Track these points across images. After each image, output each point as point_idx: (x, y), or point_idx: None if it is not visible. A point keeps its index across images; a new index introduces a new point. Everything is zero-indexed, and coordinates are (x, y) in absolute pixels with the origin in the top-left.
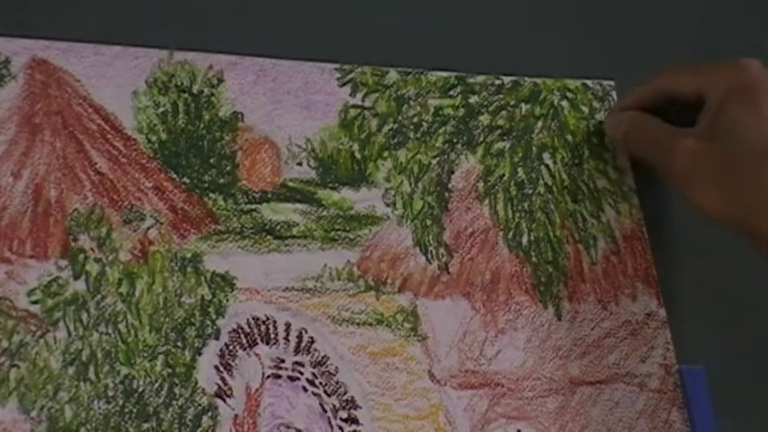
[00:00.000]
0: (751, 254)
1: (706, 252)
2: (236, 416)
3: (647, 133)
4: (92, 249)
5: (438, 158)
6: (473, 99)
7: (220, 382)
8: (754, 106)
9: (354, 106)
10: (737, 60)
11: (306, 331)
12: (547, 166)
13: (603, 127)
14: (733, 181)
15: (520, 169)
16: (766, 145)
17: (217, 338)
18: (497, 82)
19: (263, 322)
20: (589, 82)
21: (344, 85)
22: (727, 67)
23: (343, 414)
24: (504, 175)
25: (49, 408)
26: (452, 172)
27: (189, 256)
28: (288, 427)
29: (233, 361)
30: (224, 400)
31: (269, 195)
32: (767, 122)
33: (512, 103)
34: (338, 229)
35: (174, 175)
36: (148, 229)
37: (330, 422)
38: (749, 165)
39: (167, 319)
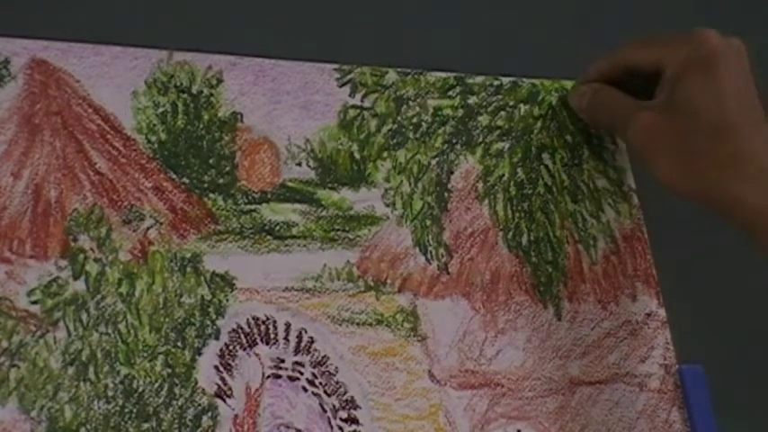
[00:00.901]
0: (751, 254)
1: (706, 252)
2: (236, 416)
3: (608, 104)
4: (91, 249)
5: (437, 159)
6: (472, 100)
7: (220, 382)
8: (710, 78)
9: (354, 107)
10: (695, 31)
11: (306, 331)
12: (546, 166)
13: (568, 99)
14: (688, 153)
15: (519, 169)
16: (721, 117)
17: (217, 338)
18: (496, 83)
19: (263, 322)
20: None
21: (344, 85)
22: (685, 38)
23: (343, 414)
24: (503, 175)
25: (49, 408)
26: (452, 172)
27: (189, 256)
28: (288, 427)
29: (233, 361)
30: (224, 400)
31: (268, 196)
32: (723, 95)
33: (510, 103)
34: (338, 230)
35: (174, 176)
36: (148, 229)
37: (330, 422)
38: (704, 137)
39: (167, 320)
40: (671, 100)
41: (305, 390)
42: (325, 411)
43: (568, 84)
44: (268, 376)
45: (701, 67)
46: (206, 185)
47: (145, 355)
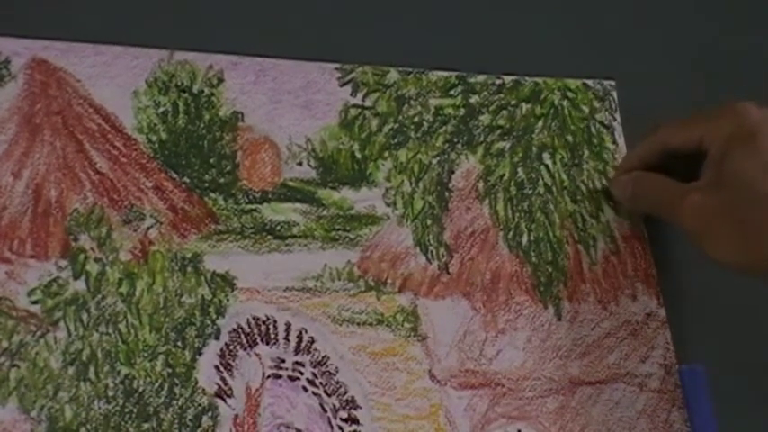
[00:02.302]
0: None
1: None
2: (237, 416)
3: (654, 192)
4: (92, 249)
5: (438, 158)
6: (474, 99)
7: (220, 382)
8: (756, 152)
9: (355, 106)
10: (734, 106)
11: (306, 331)
12: (547, 166)
13: (610, 189)
14: (745, 230)
15: (520, 169)
16: None
17: (217, 338)
18: (498, 81)
19: (264, 322)
20: (590, 82)
21: (345, 84)
22: (726, 114)
23: (344, 414)
24: (504, 175)
25: (49, 408)
26: (453, 172)
27: (189, 255)
28: (288, 427)
29: (233, 361)
30: (224, 400)
31: (269, 195)
32: None
33: (512, 102)
34: (338, 229)
35: (175, 175)
36: (148, 228)
37: (330, 422)
38: (758, 212)
39: (167, 319)
40: (719, 178)
41: (305, 390)
42: (325, 411)
43: (571, 82)
44: (268, 376)
45: (744, 141)
46: (207, 185)
47: (145, 354)
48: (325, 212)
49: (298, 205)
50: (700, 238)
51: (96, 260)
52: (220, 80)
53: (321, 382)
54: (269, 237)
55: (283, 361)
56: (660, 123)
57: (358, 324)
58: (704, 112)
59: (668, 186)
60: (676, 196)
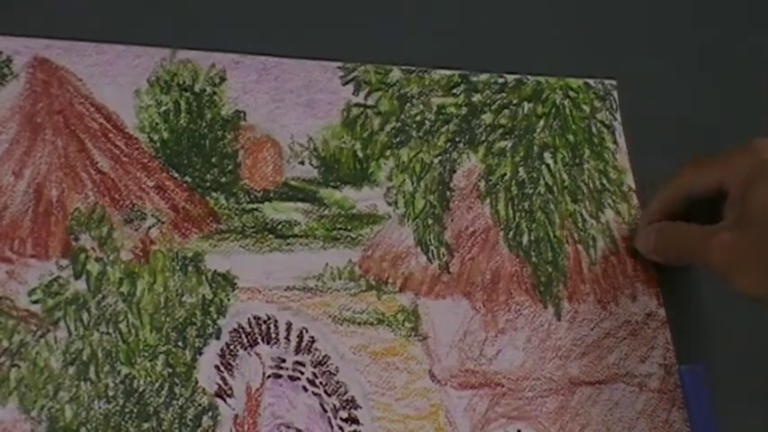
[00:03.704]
0: None
1: None
2: (237, 416)
3: (677, 238)
4: (93, 249)
5: (440, 157)
6: (476, 97)
7: (221, 382)
8: None
9: (357, 105)
10: (750, 143)
11: (307, 331)
12: (548, 165)
13: (634, 243)
14: None
15: (521, 169)
16: None
17: (218, 338)
18: (500, 80)
19: (264, 322)
20: (591, 81)
21: (347, 83)
22: (743, 152)
23: (344, 414)
24: (505, 174)
25: (50, 408)
26: (454, 171)
27: (190, 255)
28: (288, 427)
29: (234, 361)
30: (224, 400)
31: (271, 194)
32: None
33: (514, 101)
34: (340, 229)
35: (176, 174)
36: (150, 228)
37: (330, 422)
38: None
39: (168, 319)
40: (743, 215)
41: (305, 389)
42: (325, 411)
43: (572, 81)
44: (269, 376)
45: (765, 176)
46: (208, 184)
47: (145, 354)
48: (326, 212)
49: (299, 204)
50: (729, 276)
51: (97, 260)
52: (222, 79)
53: (321, 382)
54: (270, 236)
55: (284, 361)
56: (679, 169)
57: (359, 324)
58: (719, 154)
59: (692, 231)
60: (702, 239)
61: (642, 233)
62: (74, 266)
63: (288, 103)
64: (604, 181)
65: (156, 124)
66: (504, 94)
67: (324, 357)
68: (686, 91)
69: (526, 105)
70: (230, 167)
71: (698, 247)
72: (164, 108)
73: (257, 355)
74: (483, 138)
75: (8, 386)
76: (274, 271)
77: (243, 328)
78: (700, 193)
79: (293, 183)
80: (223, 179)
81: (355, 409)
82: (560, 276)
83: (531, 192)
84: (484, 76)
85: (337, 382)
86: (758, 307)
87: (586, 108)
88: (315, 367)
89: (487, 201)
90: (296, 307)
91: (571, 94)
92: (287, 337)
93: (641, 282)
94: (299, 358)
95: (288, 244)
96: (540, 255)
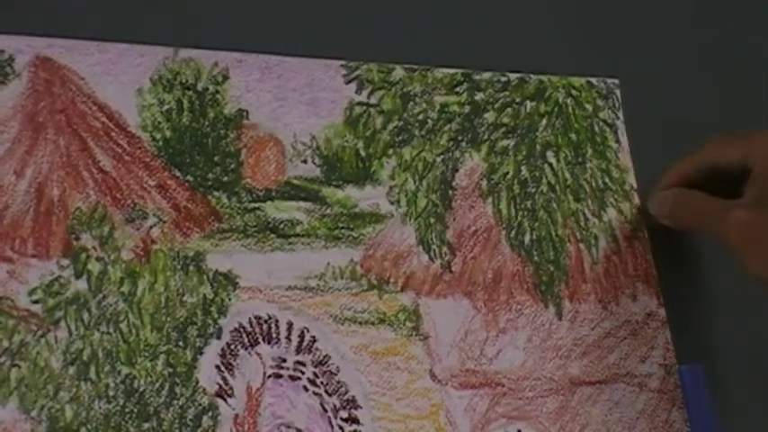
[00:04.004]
0: None
1: (706, 252)
2: (237, 415)
3: (695, 207)
4: (94, 248)
5: (443, 156)
6: (479, 96)
7: (221, 382)
8: None
9: (360, 103)
10: None
11: (308, 330)
12: (550, 164)
13: (648, 207)
14: None
15: (523, 167)
16: None
17: (218, 338)
18: (503, 79)
19: (265, 321)
20: (593, 80)
21: (350, 82)
22: None
23: (344, 414)
24: (507, 173)
25: (50, 408)
26: (456, 170)
27: (191, 254)
28: (288, 427)
29: (234, 360)
30: (225, 400)
31: (273, 193)
32: None
33: (517, 100)
34: (342, 228)
35: (178, 173)
36: (151, 227)
37: (331, 422)
38: None
39: (169, 319)
40: (764, 194)
41: (306, 389)
42: (325, 411)
43: (575, 80)
44: (269, 376)
45: None
46: (210, 183)
47: (146, 354)
48: (328, 211)
49: (301, 203)
50: (743, 255)
51: (98, 259)
52: (225, 77)
53: (322, 382)
54: (272, 235)
55: (284, 360)
56: (706, 140)
57: (360, 323)
58: (749, 131)
59: (710, 203)
60: (720, 212)
61: (658, 196)
62: (75, 266)
63: (291, 102)
64: (607, 180)
65: (159, 123)
66: (506, 93)
67: (324, 357)
68: (688, 90)
69: (529, 104)
70: (232, 166)
71: (714, 220)
72: (166, 107)
73: (258, 354)
74: (485, 136)
75: (8, 386)
76: (276, 270)
77: (244, 327)
78: (723, 165)
79: (295, 182)
80: (225, 178)
81: (356, 408)
82: (562, 276)
83: (533, 191)
84: (486, 75)
85: (338, 382)
86: (758, 307)
87: (589, 107)
88: (315, 367)
89: (490, 200)
90: (297, 306)
91: (574, 92)
92: (288, 337)
93: (642, 281)
94: (299, 358)
95: (289, 243)
96: (541, 254)
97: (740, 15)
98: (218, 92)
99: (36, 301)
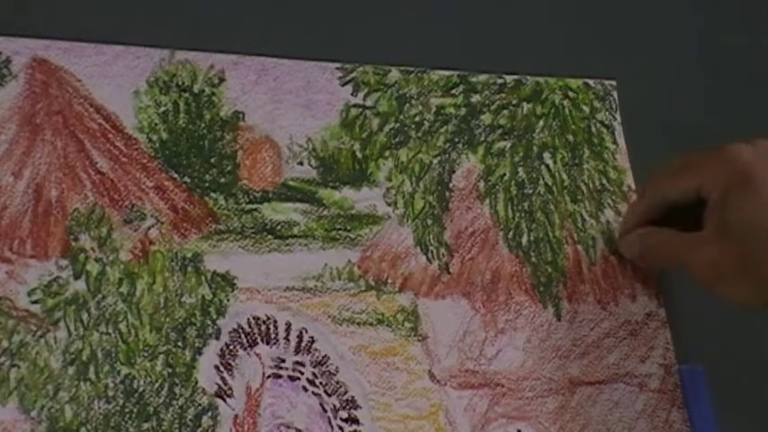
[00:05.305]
0: None
1: None
2: (236, 416)
3: (662, 248)
4: (92, 249)
5: (439, 158)
6: (475, 98)
7: (220, 382)
8: (752, 192)
9: (356, 105)
10: (724, 149)
11: (306, 331)
12: (547, 165)
13: (619, 250)
14: (758, 273)
15: (520, 169)
16: None
17: (217, 338)
18: (500, 81)
19: (264, 322)
20: (590, 81)
21: (346, 84)
22: (717, 159)
23: (344, 414)
24: (504, 174)
25: (50, 408)
26: (453, 171)
27: (189, 255)
28: (288, 427)
29: (233, 361)
30: (224, 400)
31: (270, 195)
32: None
33: (513, 102)
34: (339, 229)
35: (175, 175)
36: (149, 228)
37: (330, 422)
38: (765, 253)
39: (168, 319)
40: (723, 226)
41: (305, 389)
42: (325, 411)
43: (572, 82)
44: (268, 376)
45: (741, 185)
46: (207, 185)
47: (145, 354)
48: (325, 212)
49: (298, 205)
50: (715, 289)
51: (97, 260)
52: (221, 80)
53: (321, 382)
54: (269, 236)
55: (283, 361)
56: (653, 173)
57: (358, 324)
58: (695, 157)
59: (675, 240)
60: (686, 250)
61: (626, 239)
62: (73, 267)
63: (287, 104)
64: (604, 181)
65: (156, 125)
66: (503, 95)
67: (323, 357)
68: (686, 91)
69: (525, 106)
70: (229, 168)
71: (682, 259)
72: (163, 109)
73: (257, 355)
74: (482, 138)
75: (8, 386)
76: (273, 271)
77: (242, 328)
78: (677, 200)
79: (292, 183)
80: (222, 180)
81: (355, 409)
82: (560, 276)
83: (530, 192)
84: (483, 77)
85: (337, 383)
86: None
87: (586, 108)
88: (314, 367)
89: (487, 201)
90: (295, 307)
91: (571, 94)
92: (286, 338)
93: (641, 282)
94: (298, 358)
95: (287, 244)
96: (539, 255)
97: (738, 16)
98: (214, 94)
99: (35, 302)
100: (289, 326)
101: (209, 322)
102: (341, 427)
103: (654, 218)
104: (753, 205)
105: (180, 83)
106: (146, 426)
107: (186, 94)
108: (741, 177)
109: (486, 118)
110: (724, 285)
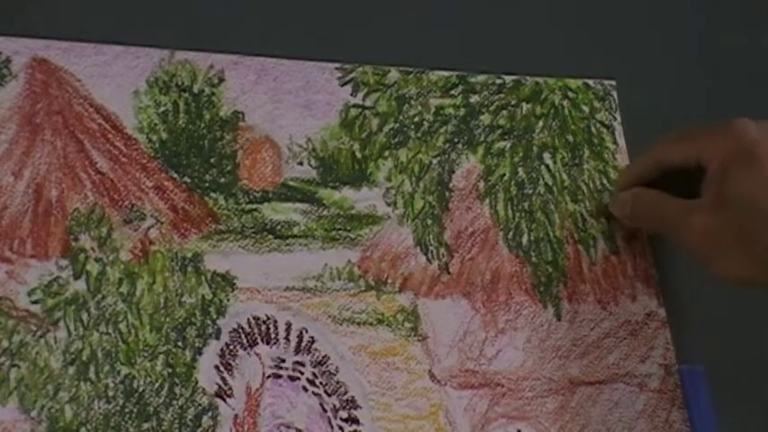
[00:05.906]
0: None
1: None
2: (237, 416)
3: (654, 210)
4: (92, 249)
5: (439, 158)
6: (474, 98)
7: (221, 382)
8: (756, 169)
9: (355, 106)
10: (732, 123)
11: (306, 331)
12: (547, 166)
13: (609, 207)
14: (752, 247)
15: (520, 169)
16: None
17: (217, 338)
18: (499, 81)
19: (264, 322)
20: (590, 81)
21: (345, 84)
22: (724, 131)
23: (344, 414)
24: (504, 174)
25: (50, 408)
26: (453, 171)
27: (189, 255)
28: (288, 427)
29: (233, 361)
30: (224, 400)
31: (270, 195)
32: None
33: (513, 102)
34: (339, 229)
35: (175, 175)
36: (149, 228)
37: (330, 422)
38: (762, 228)
39: (168, 319)
40: (721, 197)
41: (305, 389)
42: (325, 411)
43: (571, 82)
44: (268, 376)
45: (744, 159)
46: (207, 185)
47: (145, 354)
48: (325, 212)
49: (298, 205)
50: (705, 258)
51: (97, 260)
52: (221, 80)
53: (321, 382)
54: (269, 236)
55: (283, 361)
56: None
57: (358, 324)
58: (701, 127)
59: (670, 204)
60: (679, 216)
61: (619, 197)
62: (73, 266)
63: (286, 104)
64: (604, 181)
65: (155, 125)
66: (502, 95)
67: (323, 357)
68: (686, 91)
69: (525, 106)
70: (229, 168)
71: (675, 224)
72: (162, 109)
73: (257, 355)
74: (482, 138)
75: (8, 386)
76: (273, 271)
77: (242, 328)
78: (677, 164)
79: (292, 183)
80: (222, 180)
81: (355, 409)
82: (560, 276)
83: (530, 192)
84: (482, 77)
85: (337, 383)
86: (758, 307)
87: (586, 108)
88: (315, 367)
89: (487, 201)
90: (295, 307)
91: (570, 94)
92: (286, 338)
93: (641, 282)
94: (298, 358)
95: (287, 244)
96: (539, 255)
97: (738, 16)
98: (213, 94)
99: (35, 302)
100: (289, 326)
101: (209, 322)
102: (341, 427)
103: (650, 179)
104: (755, 180)
105: (180, 83)
106: (146, 426)
107: (186, 94)
108: (746, 152)
109: (486, 118)
110: (718, 257)
